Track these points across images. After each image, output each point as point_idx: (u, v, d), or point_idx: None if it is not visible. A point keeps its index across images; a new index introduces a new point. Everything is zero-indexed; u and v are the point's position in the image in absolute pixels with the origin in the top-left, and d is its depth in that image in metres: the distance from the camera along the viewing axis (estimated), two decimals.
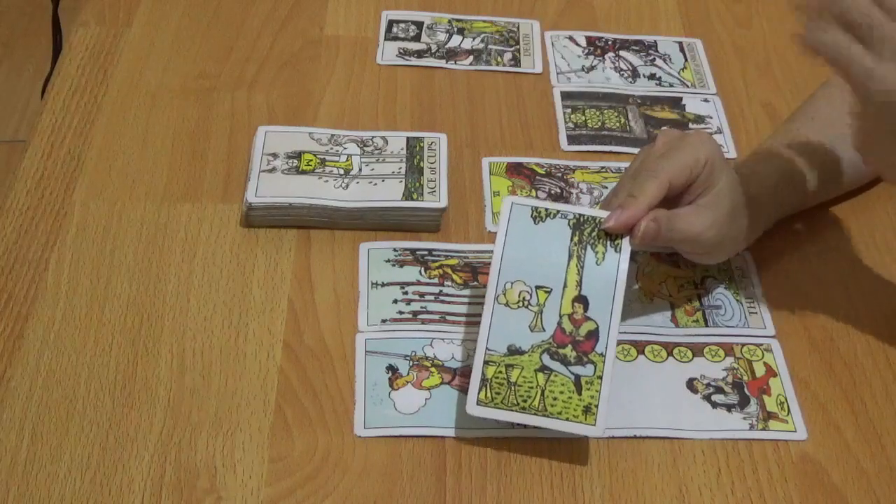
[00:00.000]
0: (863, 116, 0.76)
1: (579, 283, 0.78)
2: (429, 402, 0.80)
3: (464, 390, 0.80)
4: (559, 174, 0.99)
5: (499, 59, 1.13)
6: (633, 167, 0.84)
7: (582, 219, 0.80)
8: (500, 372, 0.76)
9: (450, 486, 0.76)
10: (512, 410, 0.75)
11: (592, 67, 1.13)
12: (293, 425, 0.79)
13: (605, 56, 1.14)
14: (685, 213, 0.82)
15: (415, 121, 1.05)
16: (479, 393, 0.76)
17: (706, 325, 0.87)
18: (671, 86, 1.11)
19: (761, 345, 0.86)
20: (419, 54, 1.13)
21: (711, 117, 1.07)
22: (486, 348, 0.77)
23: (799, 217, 0.95)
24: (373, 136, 1.00)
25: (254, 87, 1.08)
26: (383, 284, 0.89)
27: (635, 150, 1.01)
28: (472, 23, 1.18)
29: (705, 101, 1.09)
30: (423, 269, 0.90)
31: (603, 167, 1.00)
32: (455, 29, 1.17)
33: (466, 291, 0.88)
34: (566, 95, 1.09)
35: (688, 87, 1.11)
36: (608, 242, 0.79)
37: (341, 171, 0.95)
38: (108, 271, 0.89)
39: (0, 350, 0.82)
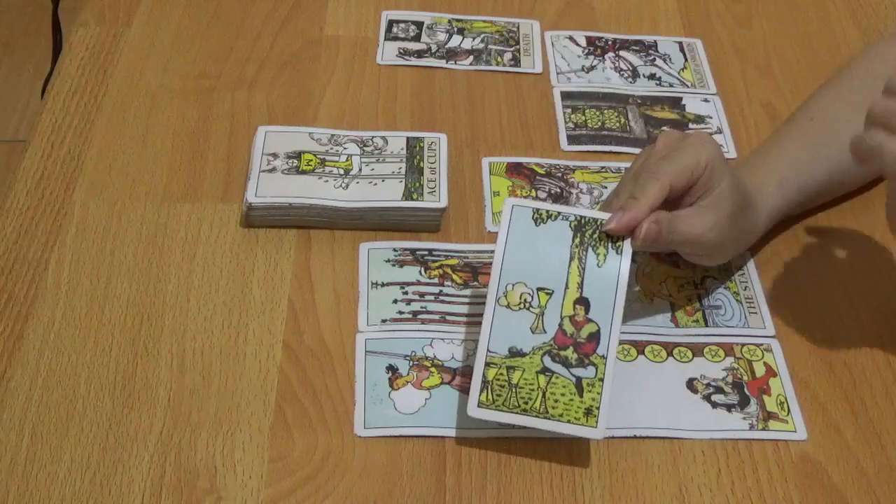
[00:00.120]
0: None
1: (581, 285, 0.78)
2: (429, 402, 0.80)
3: (464, 390, 0.80)
4: (559, 174, 0.99)
5: (499, 59, 1.13)
6: (633, 168, 0.84)
7: (583, 220, 0.80)
8: (502, 374, 0.76)
9: (450, 486, 0.76)
10: (513, 412, 0.75)
11: (592, 67, 1.13)
12: (293, 425, 0.79)
13: (605, 56, 1.14)
14: (686, 214, 0.82)
15: (415, 121, 1.05)
16: (480, 395, 0.76)
17: (706, 325, 0.87)
18: (671, 86, 1.11)
19: (761, 345, 0.86)
20: (419, 54, 1.13)
21: (711, 117, 1.07)
22: (488, 350, 0.76)
23: (799, 217, 0.95)
24: (373, 136, 0.99)
25: (254, 87, 1.08)
26: (383, 284, 0.89)
27: (635, 151, 1.01)
28: (472, 23, 1.18)
29: (705, 101, 1.09)
30: (423, 269, 0.90)
31: (603, 167, 1.00)
32: (455, 29, 1.17)
33: (466, 291, 0.88)
34: (566, 95, 1.09)
35: (688, 87, 1.11)
36: (609, 244, 0.79)
37: (341, 171, 0.95)
38: (108, 271, 0.89)
39: (0, 350, 0.82)
